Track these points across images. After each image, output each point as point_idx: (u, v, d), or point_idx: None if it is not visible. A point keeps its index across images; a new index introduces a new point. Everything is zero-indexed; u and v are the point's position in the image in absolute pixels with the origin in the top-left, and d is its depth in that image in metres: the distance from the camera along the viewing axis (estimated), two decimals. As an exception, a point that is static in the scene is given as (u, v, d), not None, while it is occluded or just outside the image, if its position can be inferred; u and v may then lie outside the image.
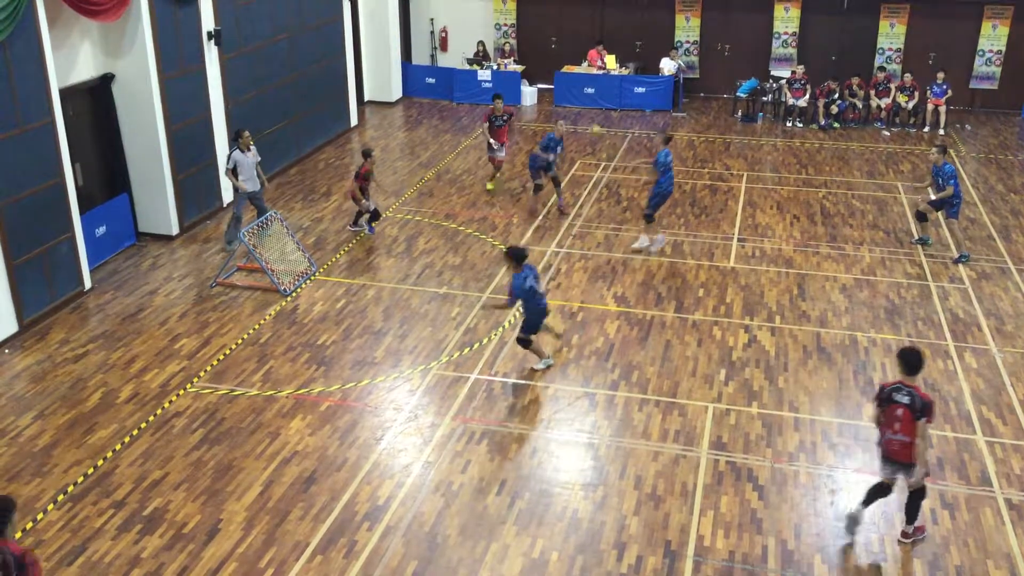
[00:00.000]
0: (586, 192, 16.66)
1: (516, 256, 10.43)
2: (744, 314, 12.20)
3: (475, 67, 23.50)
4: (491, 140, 16.51)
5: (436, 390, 10.42)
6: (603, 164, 18.28)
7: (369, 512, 8.43)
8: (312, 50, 18.69)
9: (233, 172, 13.67)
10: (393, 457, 9.22)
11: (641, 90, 22.57)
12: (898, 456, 7.81)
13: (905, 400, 7.66)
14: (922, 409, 7.58)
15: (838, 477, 9.00)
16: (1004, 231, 15.06)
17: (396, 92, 23.26)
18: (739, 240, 14.55)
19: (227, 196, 15.95)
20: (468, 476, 8.94)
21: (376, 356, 11.10)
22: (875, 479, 8.89)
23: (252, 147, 13.88)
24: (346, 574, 7.67)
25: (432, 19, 24.82)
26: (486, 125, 16.57)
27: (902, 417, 7.67)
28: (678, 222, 15.36)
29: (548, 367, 10.80)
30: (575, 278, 13.25)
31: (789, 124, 21.33)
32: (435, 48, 25.04)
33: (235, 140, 13.86)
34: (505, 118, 16.68)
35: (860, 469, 9.10)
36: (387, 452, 9.30)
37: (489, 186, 16.87)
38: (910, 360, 7.78)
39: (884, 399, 7.81)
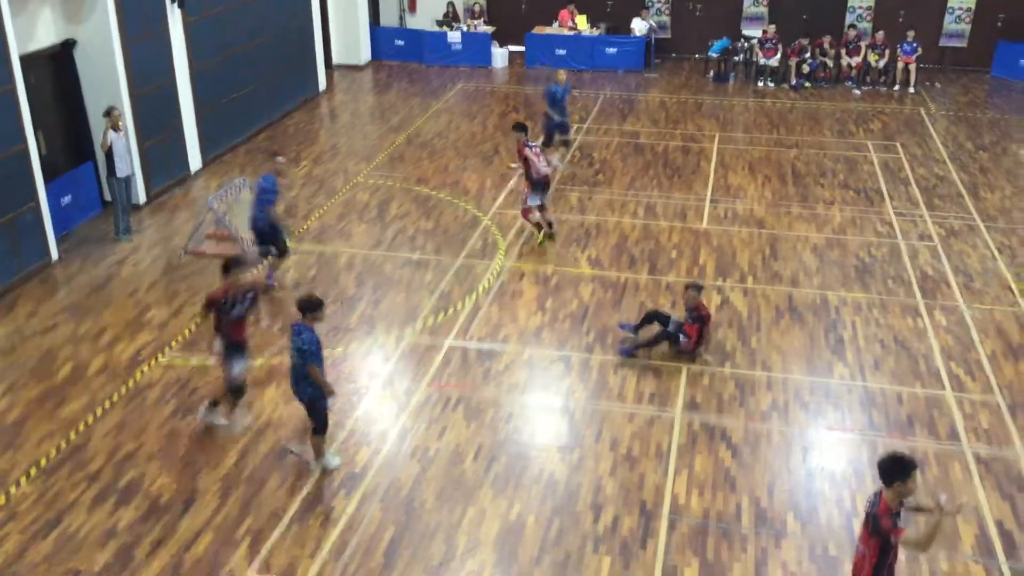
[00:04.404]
0: (558, 155, 16.56)
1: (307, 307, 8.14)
2: (717, 275, 12.25)
3: (445, 28, 23.21)
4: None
5: (411, 356, 10.40)
6: (575, 126, 18.18)
7: (345, 479, 8.43)
8: (278, 13, 18.34)
9: (108, 153, 12.61)
10: (369, 424, 9.22)
11: (613, 51, 22.41)
12: (855, 570, 6.23)
13: (866, 506, 6.19)
14: (872, 523, 5.98)
15: (809, 435, 9.11)
16: (972, 188, 15.19)
17: (365, 55, 22.93)
18: (711, 201, 14.58)
19: (195, 164, 15.73)
20: (444, 442, 8.96)
21: (350, 323, 11.05)
22: (847, 435, 9.04)
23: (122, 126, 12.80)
24: (323, 542, 7.69)
25: (400, -20, 24.44)
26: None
27: (861, 526, 6.22)
28: (651, 183, 15.34)
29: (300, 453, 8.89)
30: (548, 241, 13.20)
31: (761, 84, 21.29)
32: (403, 10, 24.66)
33: (106, 116, 12.60)
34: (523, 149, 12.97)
35: (832, 427, 9.22)
36: (363, 419, 9.29)
37: (539, 239, 13.19)
38: (881, 465, 6.00)
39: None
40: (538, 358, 10.40)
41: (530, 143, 12.98)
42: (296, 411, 9.32)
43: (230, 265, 8.78)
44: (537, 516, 7.99)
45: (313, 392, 8.18)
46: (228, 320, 8.71)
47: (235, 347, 8.88)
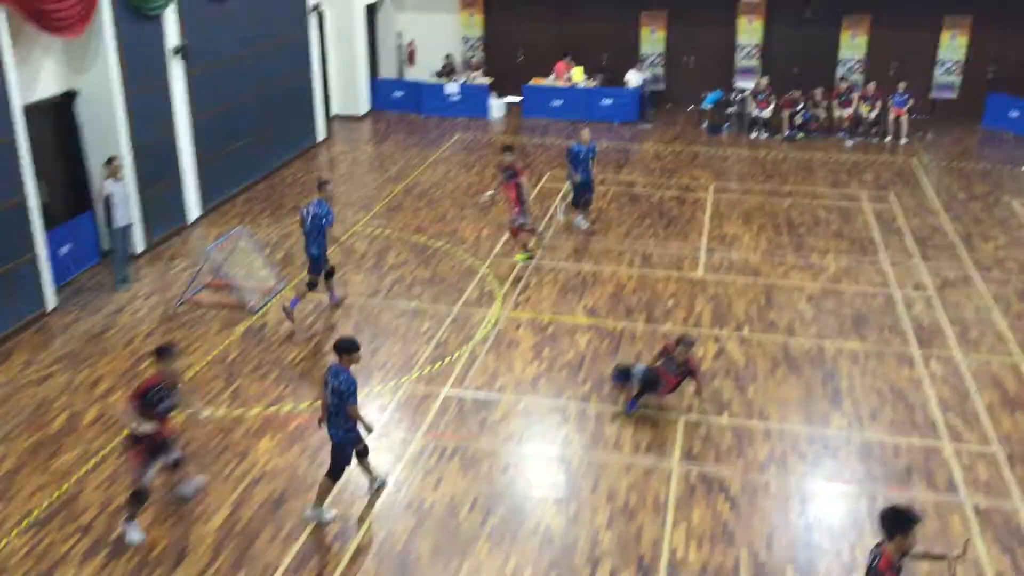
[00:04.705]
0: (554, 204, 16.69)
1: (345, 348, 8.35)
2: (713, 324, 12.28)
3: (443, 80, 23.52)
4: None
5: (407, 406, 10.37)
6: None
7: (340, 532, 8.35)
8: (279, 65, 18.61)
9: (106, 202, 12.68)
10: (364, 476, 9.15)
11: (608, 102, 22.70)
12: None
13: (868, 559, 6.14)
14: None
15: (808, 486, 9.06)
16: (966, 238, 15.29)
17: (364, 106, 23.21)
18: (707, 251, 14.65)
19: (194, 213, 15.82)
20: (440, 493, 8.89)
21: (346, 373, 11.02)
22: (846, 486, 8.99)
23: (122, 176, 12.94)
24: (318, 595, 7.60)
25: (399, 33, 24.81)
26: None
27: None
28: (647, 232, 15.44)
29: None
30: (545, 291, 13.26)
31: (754, 135, 21.54)
32: (403, 62, 25.03)
33: (106, 165, 12.78)
34: (509, 173, 13.86)
35: (830, 478, 9.17)
36: (358, 471, 9.22)
37: (517, 257, 14.28)
38: (883, 517, 5.98)
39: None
40: (535, 408, 10.37)
41: (504, 171, 13.94)
42: (290, 462, 9.28)
43: (163, 353, 7.95)
44: (534, 570, 7.90)
45: (345, 435, 8.30)
46: (154, 414, 7.85)
47: (157, 446, 8.04)
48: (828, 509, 8.74)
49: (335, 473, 8.41)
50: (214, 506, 8.67)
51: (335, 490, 8.69)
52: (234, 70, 16.90)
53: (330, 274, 12.36)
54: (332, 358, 11.15)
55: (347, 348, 8.24)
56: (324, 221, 11.79)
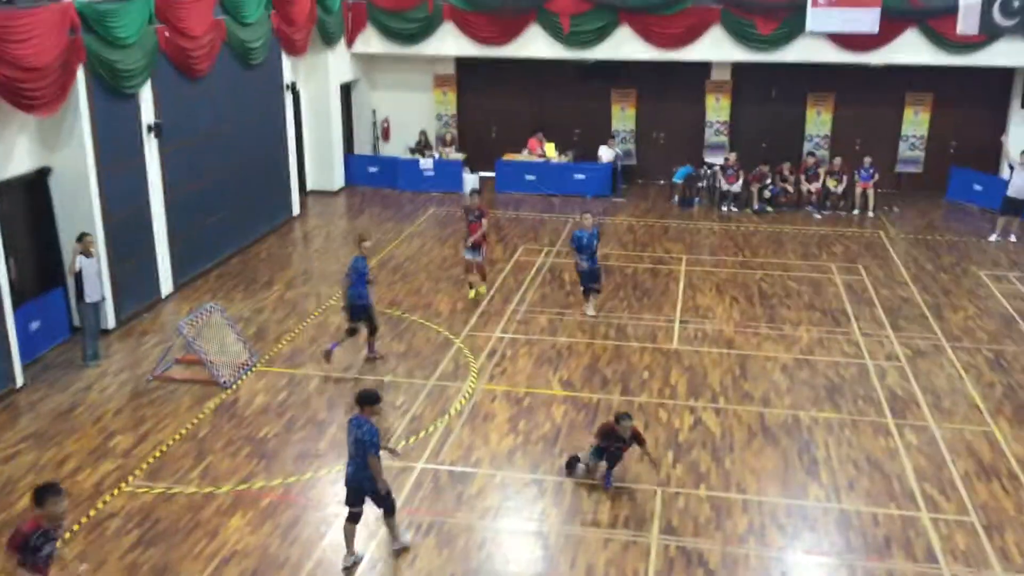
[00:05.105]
0: (529, 277, 16.78)
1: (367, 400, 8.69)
2: (688, 395, 12.28)
3: (417, 156, 23.80)
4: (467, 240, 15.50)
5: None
6: (545, 249, 18.48)
7: (313, 613, 8.13)
8: (254, 141, 18.77)
9: (77, 278, 12.66)
10: (338, 553, 8.94)
11: (581, 176, 23.03)
12: None
13: None
14: None
15: (787, 559, 8.96)
16: (936, 309, 15.50)
17: (339, 181, 23.38)
18: (681, 322, 14.73)
19: (166, 288, 15.72)
20: (415, 570, 8.70)
21: (320, 448, 10.87)
22: (825, 558, 8.91)
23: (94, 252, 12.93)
24: None
25: (374, 110, 25.18)
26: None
27: None
28: (620, 305, 15.52)
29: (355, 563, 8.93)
30: (520, 363, 13.23)
31: (724, 209, 21.88)
32: (377, 138, 25.34)
33: (78, 241, 12.75)
34: (476, 214, 15.33)
35: (809, 550, 9.09)
36: (331, 548, 9.03)
37: (470, 294, 15.68)
38: None
39: None
40: (511, 481, 10.25)
41: (469, 211, 15.50)
42: (262, 541, 9.07)
43: (42, 494, 6.96)
44: (511, 649, 7.71)
45: (370, 483, 8.60)
46: (34, 561, 6.93)
47: None
48: (809, 582, 8.64)
49: (390, 510, 8.85)
50: (182, 588, 8.42)
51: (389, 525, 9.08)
52: (209, 146, 17.02)
53: (373, 331, 13.31)
54: (305, 433, 11.05)
55: (369, 399, 8.57)
56: (366, 277, 12.90)
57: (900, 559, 8.92)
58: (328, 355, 12.98)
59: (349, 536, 8.76)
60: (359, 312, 12.99)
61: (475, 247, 15.46)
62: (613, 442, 9.97)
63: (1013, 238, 19.31)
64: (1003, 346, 13.99)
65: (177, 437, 11.12)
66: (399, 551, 8.96)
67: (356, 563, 8.77)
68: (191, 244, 16.43)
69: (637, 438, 10.07)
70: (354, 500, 8.70)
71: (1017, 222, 19.43)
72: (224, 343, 13.32)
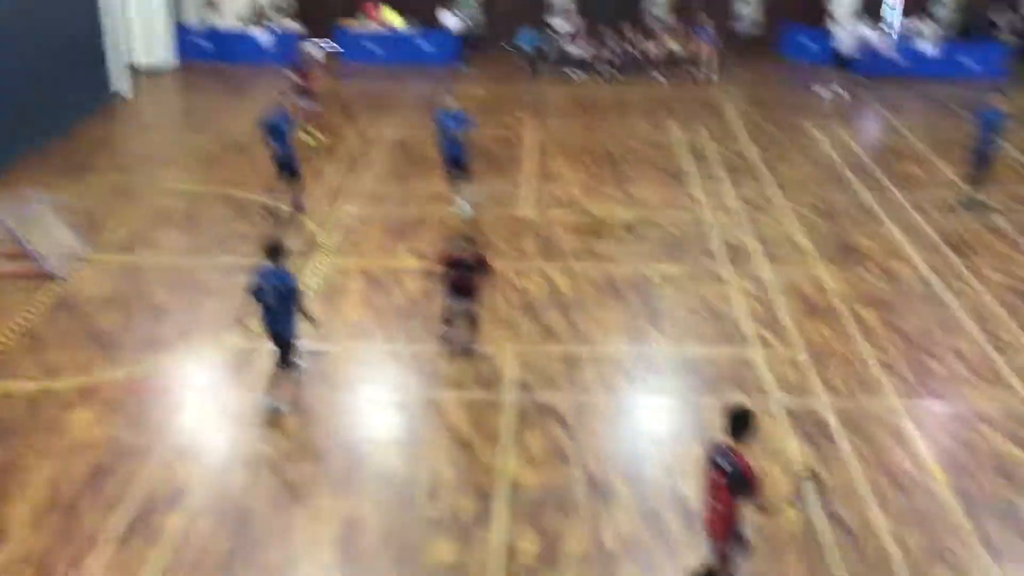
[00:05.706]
0: (375, 150, 16.44)
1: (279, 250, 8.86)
2: (540, 257, 12.52)
3: (250, 26, 22.51)
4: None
5: (233, 363, 10.04)
6: (392, 122, 18.10)
7: (171, 496, 8.04)
8: (58, 12, 17.03)
9: None
10: (194, 436, 8.84)
11: (427, 47, 22.44)
12: (712, 529, 6.37)
13: (719, 467, 6.17)
14: (736, 481, 6.05)
15: (634, 402, 9.48)
16: (768, 162, 16.21)
17: (169, 58, 21.87)
18: (533, 188, 14.85)
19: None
20: (275, 447, 8.72)
21: (165, 334, 10.55)
22: (667, 400, 9.45)
23: None
24: (153, 562, 7.31)
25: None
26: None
27: (714, 486, 6.24)
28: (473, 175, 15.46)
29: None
30: (372, 236, 13.09)
31: (571, 74, 21.89)
32: (205, 5, 23.63)
33: None
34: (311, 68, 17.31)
35: (653, 392, 9.64)
36: (187, 432, 8.90)
37: (310, 142, 16.34)
38: (734, 422, 6.20)
39: (708, 461, 6.33)
40: (369, 353, 10.29)
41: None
42: (110, 433, 8.85)
43: None
44: (376, 509, 7.91)
45: (295, 331, 8.92)
46: None
47: None
48: (652, 420, 9.20)
49: (289, 363, 9.03)
50: (31, 482, 8.14)
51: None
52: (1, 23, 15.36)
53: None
54: (147, 321, 10.67)
55: (283, 250, 8.82)
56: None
57: (735, 393, 9.56)
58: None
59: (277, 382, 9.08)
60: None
61: (306, 93, 16.14)
62: (457, 270, 9.85)
63: (843, 92, 20.25)
64: (829, 194, 14.85)
65: (10, 333, 10.54)
66: (273, 413, 9.06)
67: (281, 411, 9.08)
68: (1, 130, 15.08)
69: (484, 265, 9.94)
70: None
71: (845, 76, 20.35)
72: (51, 233, 12.52)
